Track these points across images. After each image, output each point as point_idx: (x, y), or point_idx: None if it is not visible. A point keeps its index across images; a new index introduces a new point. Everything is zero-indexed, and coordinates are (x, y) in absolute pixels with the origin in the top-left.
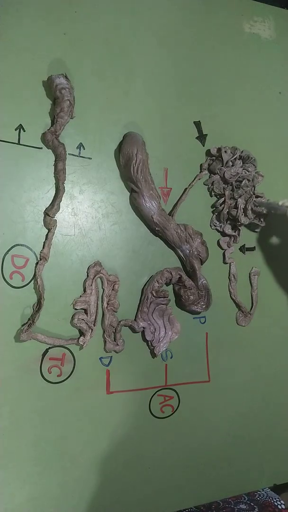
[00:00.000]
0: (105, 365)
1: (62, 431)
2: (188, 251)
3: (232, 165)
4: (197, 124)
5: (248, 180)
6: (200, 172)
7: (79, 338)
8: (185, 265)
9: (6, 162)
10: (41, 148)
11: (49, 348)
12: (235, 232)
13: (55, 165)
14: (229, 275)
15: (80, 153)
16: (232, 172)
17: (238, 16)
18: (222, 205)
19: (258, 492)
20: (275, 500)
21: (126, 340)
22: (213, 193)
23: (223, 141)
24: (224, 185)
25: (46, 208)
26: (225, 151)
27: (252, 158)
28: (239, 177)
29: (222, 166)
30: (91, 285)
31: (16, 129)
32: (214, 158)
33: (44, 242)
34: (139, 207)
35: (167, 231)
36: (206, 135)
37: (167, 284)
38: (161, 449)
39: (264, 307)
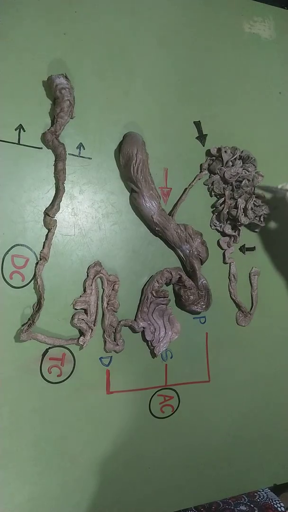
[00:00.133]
0: (105, 365)
1: (62, 431)
2: (188, 251)
3: (232, 165)
4: (197, 124)
5: (248, 180)
6: (200, 172)
7: (79, 338)
8: (185, 265)
9: (6, 162)
10: (41, 148)
11: (49, 348)
12: (235, 232)
13: (55, 165)
14: (229, 275)
15: (80, 153)
16: (232, 172)
17: (238, 16)
18: (222, 205)
19: (258, 493)
20: (275, 502)
21: (126, 340)
22: (213, 193)
23: (223, 141)
24: (224, 185)
25: (46, 208)
26: (225, 151)
27: (252, 158)
28: (239, 177)
29: (222, 166)
30: (91, 285)
31: (16, 129)
32: (214, 158)
33: (44, 242)
34: (139, 207)
35: (167, 231)
36: (206, 135)
37: (167, 284)
38: (161, 449)
39: (264, 307)
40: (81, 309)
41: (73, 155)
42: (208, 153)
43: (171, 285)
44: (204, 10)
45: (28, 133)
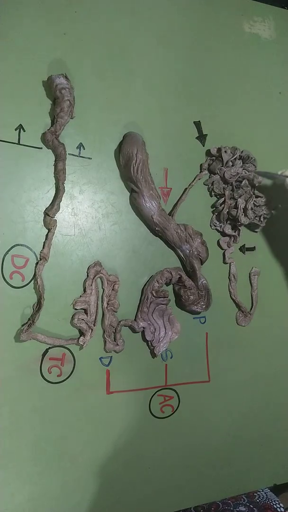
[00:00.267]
0: (105, 365)
1: (62, 431)
2: (188, 251)
3: (232, 165)
4: (197, 124)
5: (248, 180)
6: (200, 172)
7: (79, 338)
8: (185, 265)
9: (6, 162)
10: (41, 148)
11: (49, 348)
12: (235, 232)
13: (55, 165)
14: (229, 275)
15: (80, 153)
16: (232, 172)
17: (238, 16)
18: (222, 205)
19: (258, 493)
20: (274, 503)
21: (126, 340)
22: (213, 193)
23: (223, 141)
24: (224, 185)
25: (46, 208)
26: (225, 151)
27: (252, 158)
28: (239, 177)
29: (222, 166)
30: (91, 285)
31: (16, 129)
32: (214, 158)
33: (44, 242)
34: (139, 207)
35: (167, 231)
36: (206, 135)
37: (167, 284)
38: (161, 449)
39: (264, 307)
40: (81, 309)
41: (73, 155)
42: (208, 153)
43: (171, 285)
44: (204, 10)
45: (28, 133)
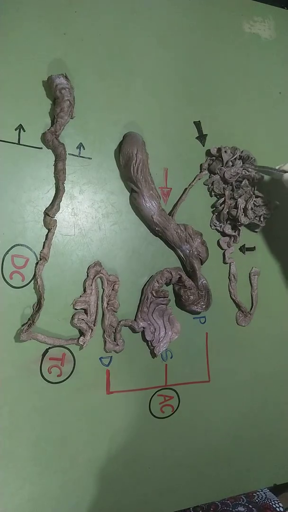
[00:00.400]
0: (105, 365)
1: (62, 431)
2: (188, 251)
3: (232, 165)
4: (197, 124)
5: (248, 180)
6: (200, 172)
7: (79, 338)
8: (185, 265)
9: (6, 162)
10: (41, 148)
11: (49, 348)
12: (235, 232)
13: (55, 165)
14: (229, 275)
15: (80, 153)
16: (232, 172)
17: (238, 16)
18: (222, 205)
19: (257, 493)
20: (273, 502)
21: (126, 340)
22: (213, 193)
23: (223, 141)
24: (224, 185)
25: (46, 208)
26: (225, 151)
27: (252, 158)
28: (239, 177)
29: (222, 166)
30: (91, 285)
31: (16, 129)
32: (214, 158)
33: (44, 242)
34: (139, 207)
35: (167, 231)
36: (206, 135)
37: (167, 284)
38: (161, 449)
39: (264, 307)
40: (81, 309)
41: (73, 155)
42: (208, 153)
43: (171, 285)
44: (204, 10)
45: (28, 133)
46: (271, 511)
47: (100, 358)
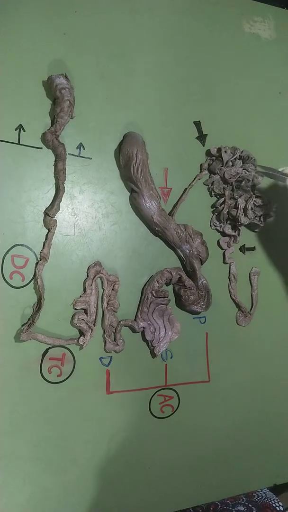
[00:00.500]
0: (105, 365)
1: (62, 431)
2: (188, 251)
3: (232, 165)
4: (197, 124)
5: (248, 180)
6: (200, 172)
7: (79, 338)
8: (185, 265)
9: (6, 162)
10: (41, 148)
11: (49, 348)
12: (235, 232)
13: (55, 165)
14: (229, 275)
15: (80, 153)
16: (232, 172)
17: (238, 16)
18: (222, 205)
19: (257, 493)
20: (273, 502)
21: (126, 340)
22: (213, 193)
23: (223, 141)
24: (224, 185)
25: (46, 208)
26: (225, 151)
27: (252, 158)
28: (239, 177)
29: (222, 166)
30: (91, 285)
31: (16, 129)
32: (214, 158)
33: (44, 242)
34: (139, 207)
35: (167, 231)
36: (206, 135)
37: (167, 284)
38: (161, 449)
39: (264, 307)
40: (81, 309)
41: (73, 155)
42: (208, 153)
43: (171, 285)
44: (204, 10)
45: (28, 133)
46: (270, 510)
47: (100, 358)
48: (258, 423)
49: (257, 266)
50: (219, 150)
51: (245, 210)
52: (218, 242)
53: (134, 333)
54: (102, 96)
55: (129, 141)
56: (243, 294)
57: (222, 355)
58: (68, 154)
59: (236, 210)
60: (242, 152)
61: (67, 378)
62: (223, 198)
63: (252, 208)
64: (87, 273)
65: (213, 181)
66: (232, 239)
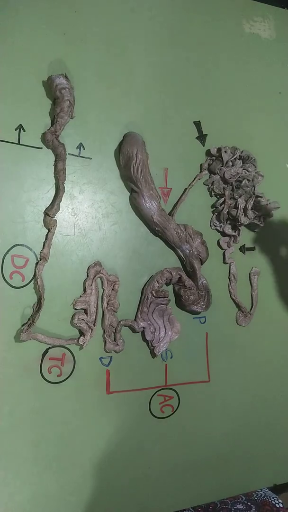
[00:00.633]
0: (105, 365)
1: (62, 431)
2: (188, 251)
3: (232, 165)
4: (197, 124)
5: (248, 180)
6: (200, 172)
7: (79, 338)
8: (185, 265)
9: (6, 162)
10: (41, 148)
11: (49, 348)
12: (235, 232)
13: (55, 165)
14: (229, 275)
15: (80, 153)
16: (232, 172)
17: (238, 16)
18: (222, 205)
19: (256, 492)
20: (272, 499)
21: (126, 340)
22: (213, 193)
23: (223, 141)
24: (224, 185)
25: (46, 208)
26: (225, 151)
27: (252, 158)
28: (239, 177)
29: (222, 166)
30: (91, 285)
31: (16, 129)
32: (214, 158)
33: (44, 242)
34: (139, 207)
35: (167, 231)
36: (206, 135)
37: (167, 284)
38: (161, 449)
39: (264, 307)
40: (81, 309)
41: (73, 155)
42: (208, 153)
43: (171, 285)
44: (204, 10)
45: (28, 133)
46: (270, 507)
47: (100, 358)
48: (258, 423)
49: (257, 266)
50: (219, 150)
51: (245, 210)
52: (218, 242)
53: (134, 333)
54: (102, 96)
55: (129, 141)
56: (243, 294)
57: (222, 355)
58: (68, 154)
59: (236, 210)
60: (242, 152)
61: (67, 378)
62: (223, 198)
63: (252, 208)
64: (87, 273)
65: (213, 181)
66: (232, 239)
